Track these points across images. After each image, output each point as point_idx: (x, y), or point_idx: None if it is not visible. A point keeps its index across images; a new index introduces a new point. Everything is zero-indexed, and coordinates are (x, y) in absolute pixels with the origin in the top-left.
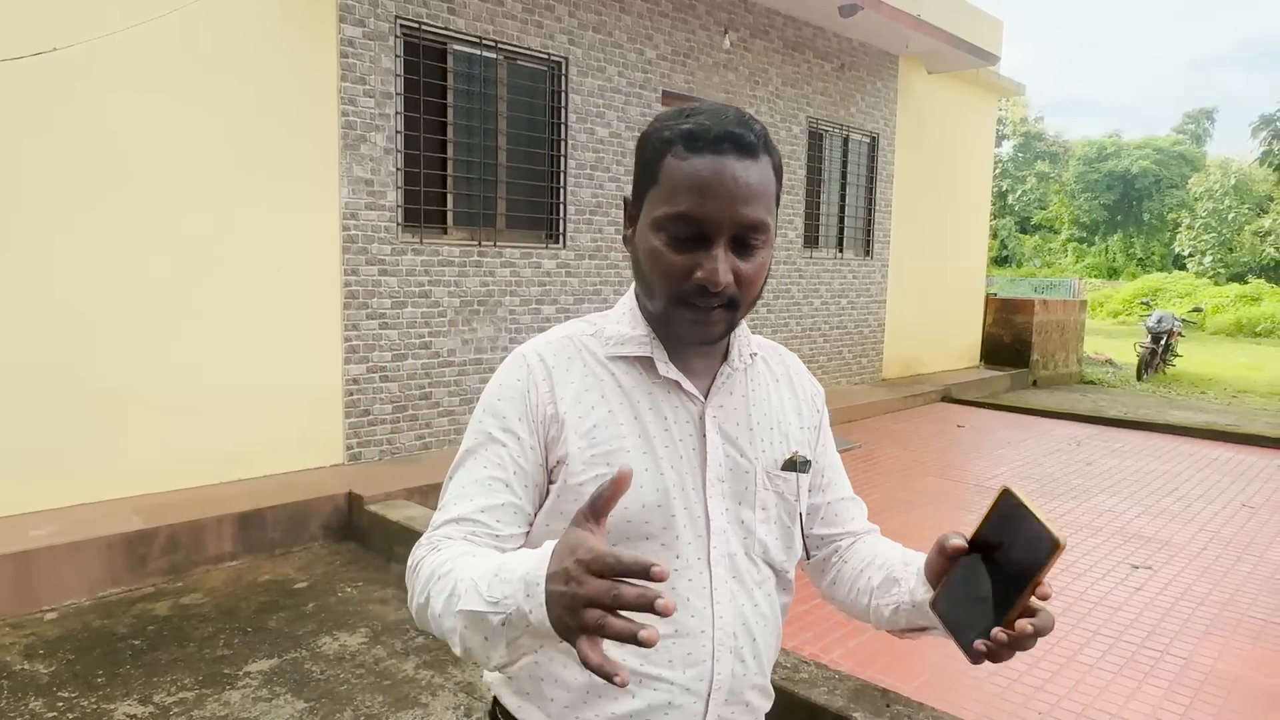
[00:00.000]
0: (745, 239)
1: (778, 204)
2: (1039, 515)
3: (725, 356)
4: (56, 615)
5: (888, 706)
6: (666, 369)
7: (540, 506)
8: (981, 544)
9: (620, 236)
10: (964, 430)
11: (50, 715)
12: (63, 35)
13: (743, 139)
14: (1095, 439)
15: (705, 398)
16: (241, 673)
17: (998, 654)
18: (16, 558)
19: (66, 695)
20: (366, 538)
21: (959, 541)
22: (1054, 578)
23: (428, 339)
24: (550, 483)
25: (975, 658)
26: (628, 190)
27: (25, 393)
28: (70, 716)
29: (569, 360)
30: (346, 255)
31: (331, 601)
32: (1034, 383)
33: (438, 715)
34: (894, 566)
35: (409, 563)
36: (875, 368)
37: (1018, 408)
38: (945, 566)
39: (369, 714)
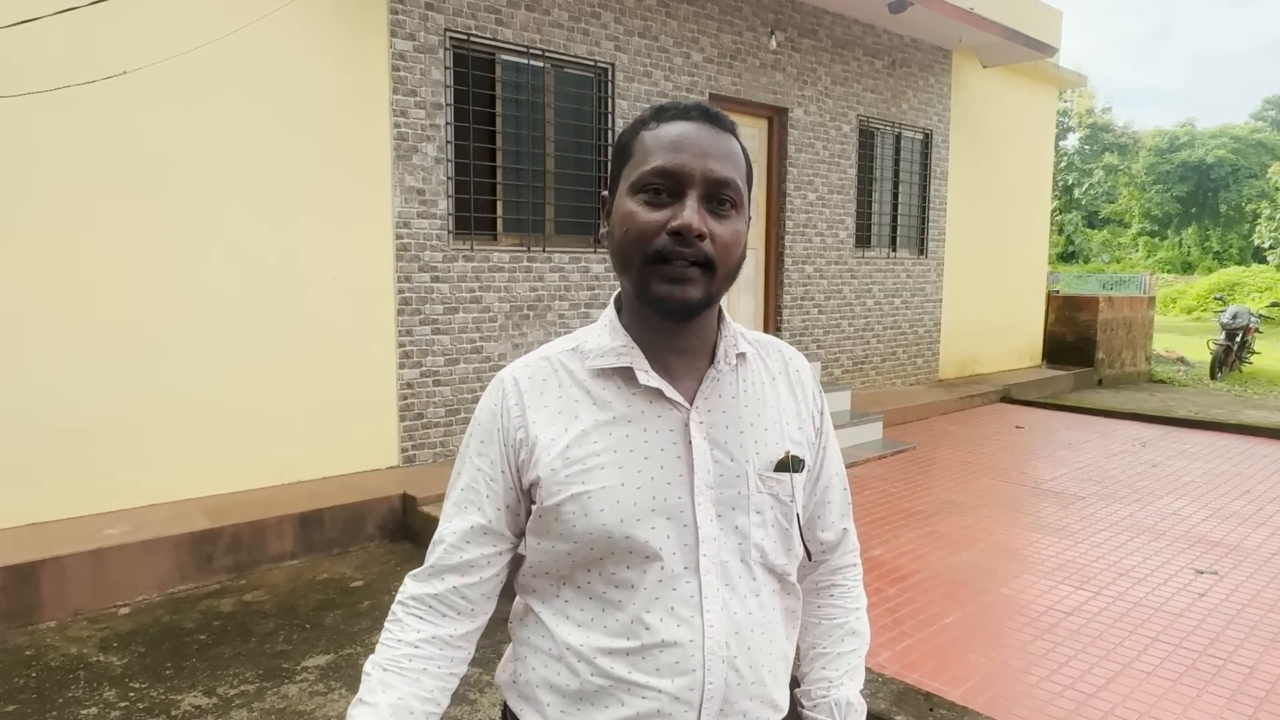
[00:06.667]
0: (717, 196)
1: (749, 189)
2: None
3: (712, 359)
4: (129, 610)
5: (930, 710)
6: (647, 377)
7: (525, 524)
8: None
9: None
10: (1023, 431)
11: (122, 705)
12: (132, 59)
13: (710, 111)
14: (1162, 440)
15: (691, 403)
16: (299, 667)
17: None
18: (92, 555)
19: (137, 686)
20: (420, 538)
21: None
22: (1110, 583)
23: (479, 343)
24: (531, 503)
25: None
26: None
27: (97, 399)
28: (140, 706)
29: (544, 382)
30: (400, 263)
31: (386, 600)
32: (1099, 382)
33: (485, 711)
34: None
35: (402, 586)
36: (931, 368)
37: (1080, 408)
38: None
39: None
